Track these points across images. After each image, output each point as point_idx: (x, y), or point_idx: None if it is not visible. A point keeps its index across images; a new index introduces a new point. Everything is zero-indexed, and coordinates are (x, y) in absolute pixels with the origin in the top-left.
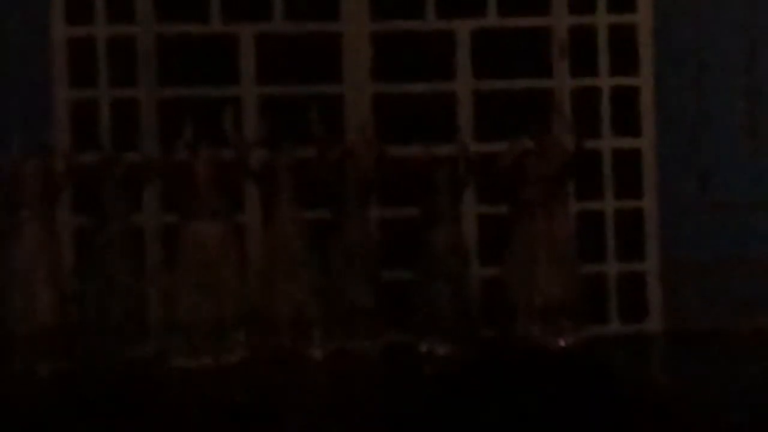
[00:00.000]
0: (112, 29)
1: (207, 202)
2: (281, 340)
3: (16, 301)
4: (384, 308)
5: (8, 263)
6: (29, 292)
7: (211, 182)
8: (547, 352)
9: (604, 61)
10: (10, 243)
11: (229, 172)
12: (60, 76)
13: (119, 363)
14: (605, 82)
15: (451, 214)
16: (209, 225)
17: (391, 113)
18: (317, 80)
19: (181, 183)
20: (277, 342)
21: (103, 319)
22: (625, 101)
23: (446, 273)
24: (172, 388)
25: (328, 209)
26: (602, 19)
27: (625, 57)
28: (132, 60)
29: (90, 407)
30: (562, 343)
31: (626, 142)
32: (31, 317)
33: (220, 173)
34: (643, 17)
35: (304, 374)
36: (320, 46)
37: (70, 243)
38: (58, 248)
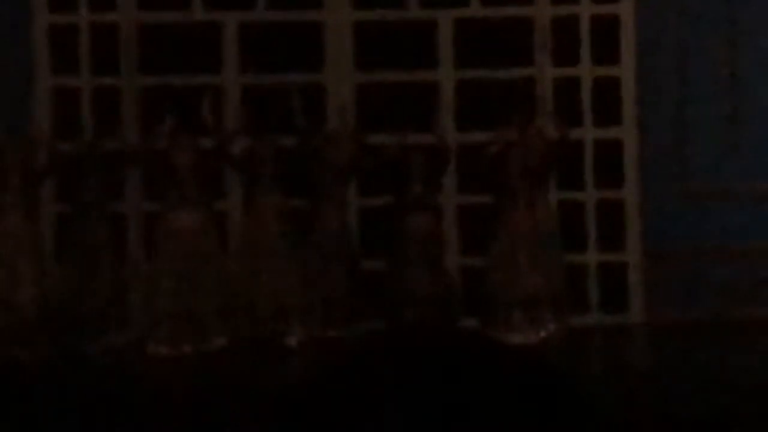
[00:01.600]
0: (94, 17)
1: (187, 190)
2: (260, 328)
3: None
4: (362, 296)
5: None
6: (10, 280)
7: (191, 170)
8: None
9: (586, 51)
10: None
11: (209, 159)
12: (42, 64)
13: (99, 350)
14: (587, 71)
15: (426, 202)
16: (189, 213)
17: (373, 102)
18: (299, 69)
19: (161, 171)
20: (255, 330)
21: (84, 306)
22: (607, 91)
23: (421, 260)
24: (151, 376)
25: (308, 197)
26: (585, 9)
27: (607, 47)
28: (114, 48)
29: (69, 395)
30: (543, 333)
31: (608, 132)
32: (11, 304)
33: (201, 161)
34: (625, 7)
35: (281, 362)
36: (303, 35)
37: (51, 230)
38: (38, 236)
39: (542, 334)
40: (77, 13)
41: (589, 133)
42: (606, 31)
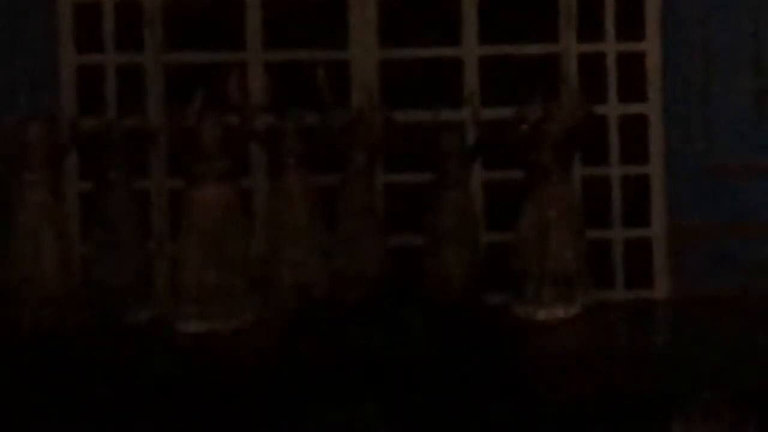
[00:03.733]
0: None
1: (212, 166)
2: (287, 306)
3: (22, 265)
4: (391, 274)
5: (13, 227)
6: (35, 257)
7: (216, 146)
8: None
9: (610, 26)
10: (15, 207)
11: (234, 135)
12: (66, 40)
13: (125, 327)
14: (611, 47)
15: (461, 179)
16: (215, 189)
17: (398, 78)
18: (324, 45)
19: (187, 147)
20: (282, 306)
21: (109, 283)
22: (632, 67)
23: (456, 238)
24: (178, 353)
25: (335, 174)
26: None
27: (632, 22)
28: (138, 25)
29: (96, 371)
30: (573, 310)
31: (632, 108)
32: (37, 282)
33: (226, 137)
34: None
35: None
36: (326, 11)
37: (75, 208)
38: (63, 213)
39: (572, 310)
40: None
41: (613, 108)
42: (631, 7)
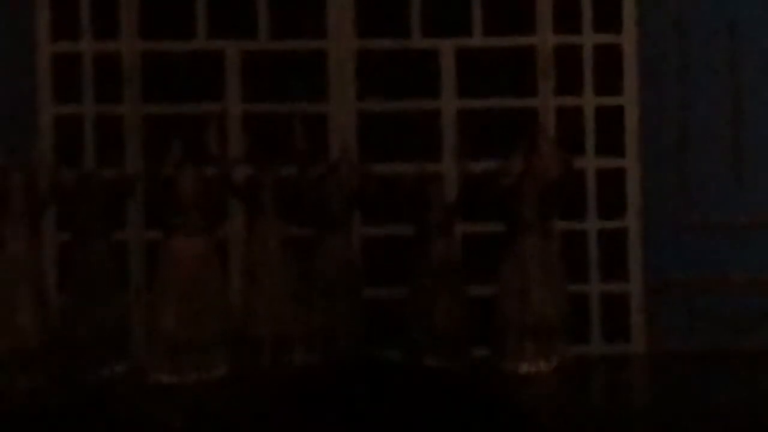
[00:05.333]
0: (97, 45)
1: (190, 217)
2: (262, 357)
3: None
4: (366, 325)
5: None
6: (11, 308)
7: (194, 198)
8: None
9: (588, 80)
10: None
11: (212, 188)
12: (44, 91)
13: (100, 379)
14: (589, 101)
15: (446, 230)
16: (191, 240)
17: (376, 131)
18: (302, 97)
19: (164, 198)
20: (258, 358)
21: (85, 334)
22: (610, 121)
23: (443, 288)
24: (152, 404)
25: (312, 226)
26: (587, 39)
27: (609, 76)
28: (117, 76)
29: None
30: (553, 363)
31: (610, 162)
32: (12, 333)
33: (203, 189)
34: (627, 36)
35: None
36: (305, 64)
37: (53, 258)
38: (41, 264)
39: (553, 363)
40: (80, 42)
41: (591, 162)
42: (609, 61)
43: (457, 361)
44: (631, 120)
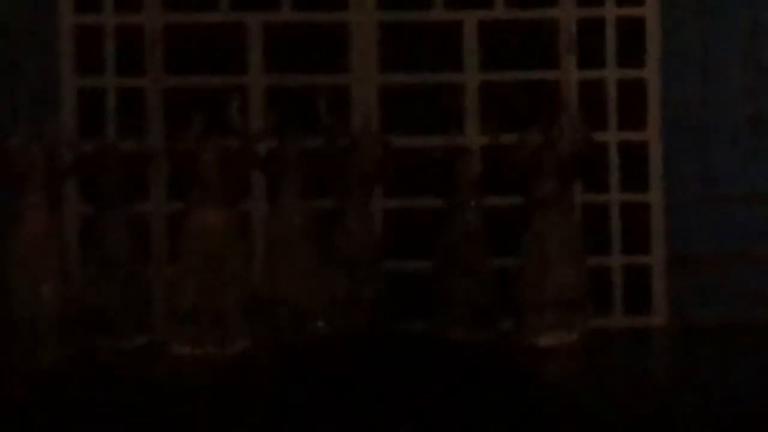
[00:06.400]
0: (119, 17)
1: (212, 190)
2: (283, 330)
3: (20, 288)
4: (386, 298)
5: (12, 250)
6: (33, 280)
7: (217, 171)
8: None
9: (611, 53)
10: (15, 230)
11: (234, 160)
12: (67, 64)
13: (121, 351)
14: (612, 74)
15: (473, 204)
16: (214, 213)
17: (398, 104)
18: (324, 70)
19: (187, 171)
20: (279, 331)
21: (106, 307)
22: (632, 94)
23: (468, 261)
24: (174, 377)
25: (333, 199)
26: (610, 12)
27: (632, 49)
28: (139, 48)
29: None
30: (574, 336)
31: (632, 135)
32: (34, 305)
33: (226, 162)
34: (650, 10)
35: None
36: (328, 36)
37: (74, 230)
38: (62, 235)
39: (573, 336)
40: (102, 14)
41: (613, 136)
42: (631, 34)
43: (481, 334)
44: (653, 93)
